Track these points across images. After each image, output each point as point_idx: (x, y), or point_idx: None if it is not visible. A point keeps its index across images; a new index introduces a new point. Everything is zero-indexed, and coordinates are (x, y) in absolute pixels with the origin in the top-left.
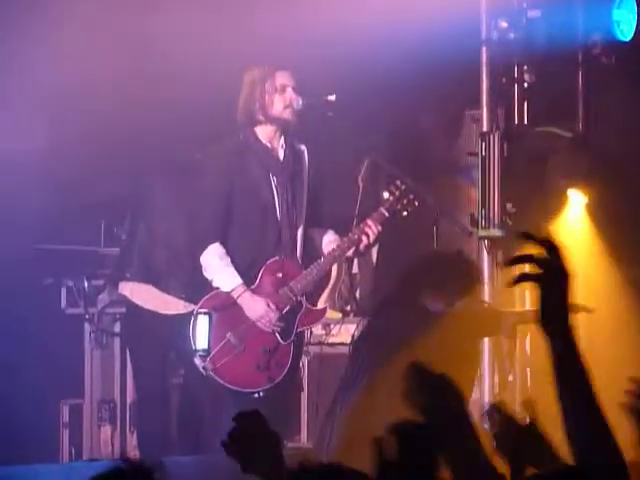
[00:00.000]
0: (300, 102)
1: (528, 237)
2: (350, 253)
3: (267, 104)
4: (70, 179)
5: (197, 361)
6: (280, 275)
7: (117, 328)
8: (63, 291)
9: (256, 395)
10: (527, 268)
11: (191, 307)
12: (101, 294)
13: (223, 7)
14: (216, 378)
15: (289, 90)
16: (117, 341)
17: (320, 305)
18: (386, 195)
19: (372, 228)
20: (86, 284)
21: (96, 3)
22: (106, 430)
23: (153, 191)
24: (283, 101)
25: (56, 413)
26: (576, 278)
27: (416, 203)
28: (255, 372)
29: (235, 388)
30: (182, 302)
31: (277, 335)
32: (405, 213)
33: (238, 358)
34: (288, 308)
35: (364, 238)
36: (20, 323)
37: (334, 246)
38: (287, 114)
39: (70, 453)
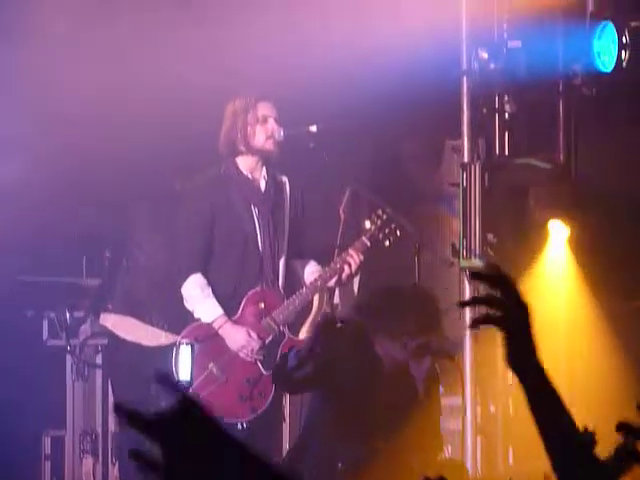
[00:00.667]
0: (281, 133)
1: (478, 276)
2: (332, 283)
3: (249, 135)
4: (52, 210)
5: None
6: (262, 305)
7: (99, 359)
8: (45, 323)
9: (239, 427)
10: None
11: (173, 338)
12: (83, 325)
13: (204, 38)
14: None
15: (271, 121)
16: (99, 372)
17: (302, 335)
18: (368, 224)
19: (354, 257)
20: (68, 316)
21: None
22: (88, 462)
23: (135, 222)
24: (265, 132)
25: (38, 445)
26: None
27: (398, 232)
28: (238, 403)
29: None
30: (164, 333)
31: (259, 365)
32: (387, 243)
33: (221, 389)
34: (270, 338)
35: (346, 267)
36: (2, 355)
37: (316, 276)
38: (269, 145)
39: None
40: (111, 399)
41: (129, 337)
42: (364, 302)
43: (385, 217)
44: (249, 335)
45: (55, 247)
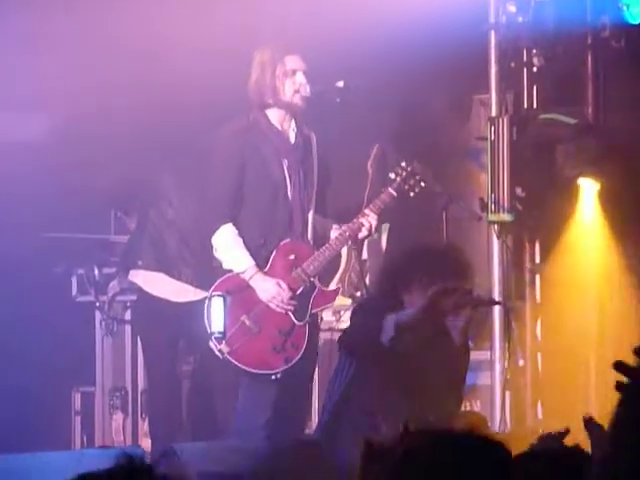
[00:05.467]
0: (308, 89)
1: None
2: (349, 243)
3: (277, 88)
4: (80, 166)
5: (212, 344)
6: (292, 257)
7: (128, 316)
8: (74, 279)
9: (273, 377)
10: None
11: (202, 294)
12: (112, 282)
13: None
14: (232, 361)
15: (299, 74)
16: (128, 328)
17: (332, 287)
18: (392, 176)
19: (369, 218)
20: (96, 272)
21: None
22: (118, 417)
23: (163, 177)
24: (292, 86)
25: (68, 401)
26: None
27: (422, 184)
28: (271, 353)
29: (251, 370)
30: (192, 289)
31: (291, 316)
32: (412, 194)
33: (254, 340)
34: (301, 289)
35: (363, 229)
36: (31, 311)
37: (336, 234)
38: (297, 99)
39: (82, 440)
40: (140, 355)
41: (158, 293)
42: (394, 258)
43: (410, 169)
44: (279, 285)
45: (84, 203)
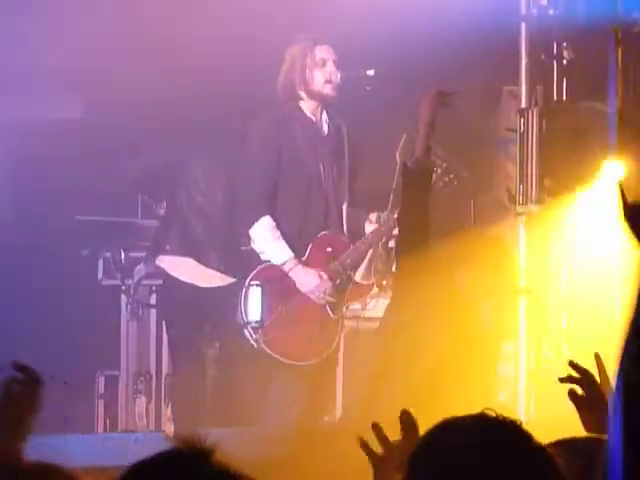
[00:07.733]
0: (339, 76)
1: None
2: (384, 239)
3: (308, 78)
4: (108, 148)
5: (248, 333)
6: (330, 250)
7: (153, 300)
8: (100, 262)
9: (306, 369)
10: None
11: (228, 280)
12: (138, 266)
13: None
14: (267, 350)
15: (329, 64)
16: (153, 313)
17: (358, 278)
18: None
19: None
20: (123, 255)
21: None
22: (141, 402)
23: (192, 162)
24: (323, 75)
25: (92, 384)
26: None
27: (455, 183)
28: (306, 345)
29: (285, 360)
30: (219, 275)
31: (328, 309)
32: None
33: (290, 331)
34: (338, 282)
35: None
36: (57, 294)
37: (376, 227)
38: (328, 89)
39: (105, 424)
40: (165, 339)
41: (185, 278)
42: None
43: (440, 171)
44: (320, 277)
45: (111, 186)
